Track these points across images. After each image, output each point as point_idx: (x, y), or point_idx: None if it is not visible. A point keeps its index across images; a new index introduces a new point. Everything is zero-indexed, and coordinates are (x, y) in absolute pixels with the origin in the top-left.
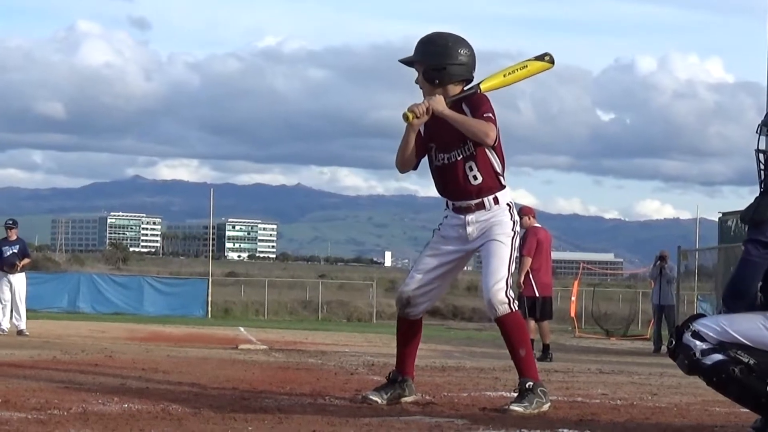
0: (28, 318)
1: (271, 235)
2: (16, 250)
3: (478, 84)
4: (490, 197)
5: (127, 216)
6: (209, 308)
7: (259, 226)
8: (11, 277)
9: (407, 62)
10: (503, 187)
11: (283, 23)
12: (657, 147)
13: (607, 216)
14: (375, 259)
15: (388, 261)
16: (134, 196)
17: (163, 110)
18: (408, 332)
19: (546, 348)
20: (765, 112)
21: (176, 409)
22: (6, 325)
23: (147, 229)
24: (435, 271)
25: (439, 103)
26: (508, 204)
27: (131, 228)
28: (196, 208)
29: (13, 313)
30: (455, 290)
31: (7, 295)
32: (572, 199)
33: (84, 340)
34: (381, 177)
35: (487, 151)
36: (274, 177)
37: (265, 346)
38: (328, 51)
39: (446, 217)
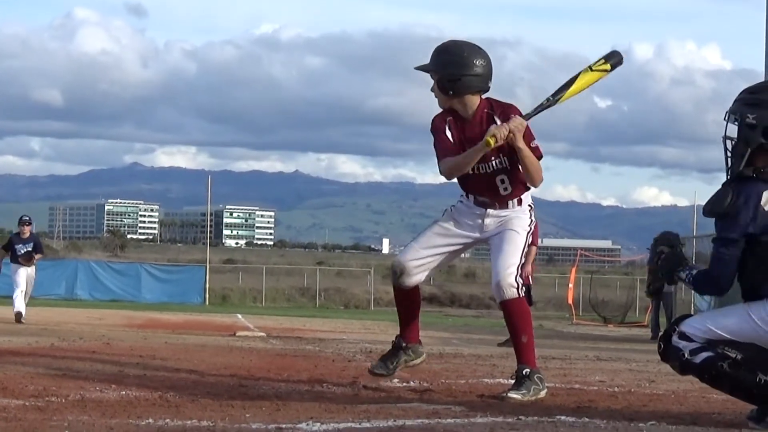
0: (26, 305)
1: (268, 222)
2: (30, 248)
3: (557, 98)
4: (515, 200)
5: (124, 203)
6: (207, 295)
7: (257, 213)
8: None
9: (423, 70)
10: (527, 189)
11: (280, 10)
12: (654, 134)
13: (605, 203)
14: (373, 246)
15: (386, 248)
16: (132, 183)
17: (161, 97)
18: (405, 300)
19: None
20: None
21: (174, 396)
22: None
23: (145, 216)
24: (436, 249)
25: (521, 134)
26: (529, 205)
27: (129, 215)
28: (193, 195)
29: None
30: (453, 277)
31: (23, 284)
32: (570, 186)
33: (82, 328)
34: (379, 164)
35: (520, 166)
36: (272, 164)
37: (262, 333)
38: (326, 38)
39: (462, 202)
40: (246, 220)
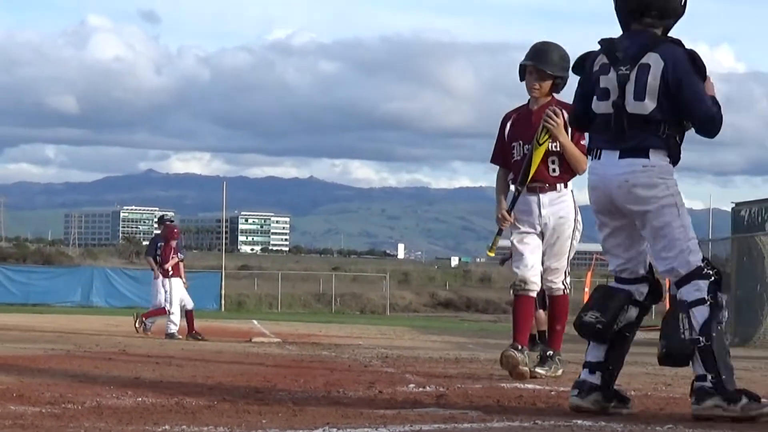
0: (41, 312)
1: (284, 228)
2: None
3: (524, 185)
4: (562, 183)
5: (140, 210)
6: (222, 301)
7: (272, 219)
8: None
9: (553, 71)
10: (573, 176)
11: (292, 16)
12: None
13: None
14: (388, 252)
15: (401, 253)
16: (147, 190)
17: (175, 104)
18: (524, 308)
19: (542, 334)
20: None
21: (190, 402)
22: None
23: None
24: (533, 248)
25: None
26: (571, 190)
27: (144, 222)
28: (208, 201)
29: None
30: (469, 282)
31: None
32: (584, 190)
33: (98, 334)
34: (393, 169)
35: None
36: (287, 170)
37: (278, 339)
38: (338, 43)
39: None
40: (261, 226)
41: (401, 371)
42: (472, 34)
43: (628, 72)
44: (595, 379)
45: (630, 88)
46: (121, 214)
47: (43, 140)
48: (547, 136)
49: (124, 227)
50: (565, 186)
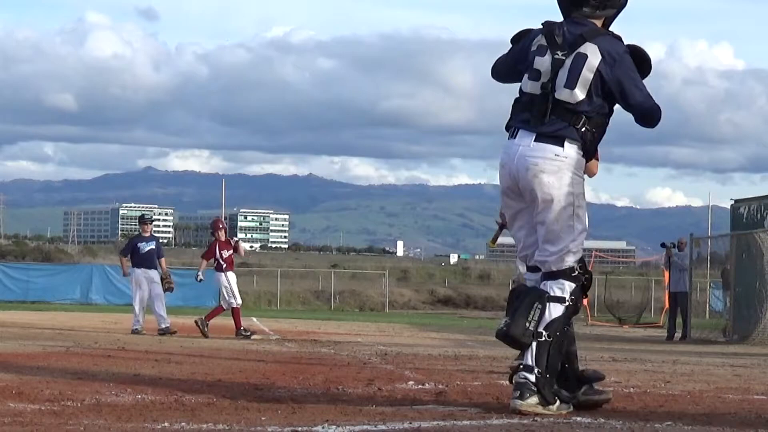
0: (39, 310)
1: (283, 225)
2: (153, 247)
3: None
4: None
5: (139, 207)
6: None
7: (271, 216)
8: (150, 272)
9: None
10: None
11: (290, 13)
12: (668, 134)
13: (619, 204)
14: (387, 249)
15: (400, 250)
16: (146, 187)
17: (173, 101)
18: None
19: None
20: None
21: (189, 399)
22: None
23: (159, 220)
24: None
25: None
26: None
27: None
28: (207, 198)
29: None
30: (467, 279)
31: (146, 293)
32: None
33: (97, 332)
34: (392, 166)
35: None
36: (286, 167)
37: (278, 336)
38: (337, 41)
39: None
40: (260, 224)
41: (400, 368)
42: (471, 31)
43: (563, 58)
44: (532, 378)
45: (563, 74)
46: (120, 212)
47: (42, 138)
48: None
49: (123, 225)
50: None
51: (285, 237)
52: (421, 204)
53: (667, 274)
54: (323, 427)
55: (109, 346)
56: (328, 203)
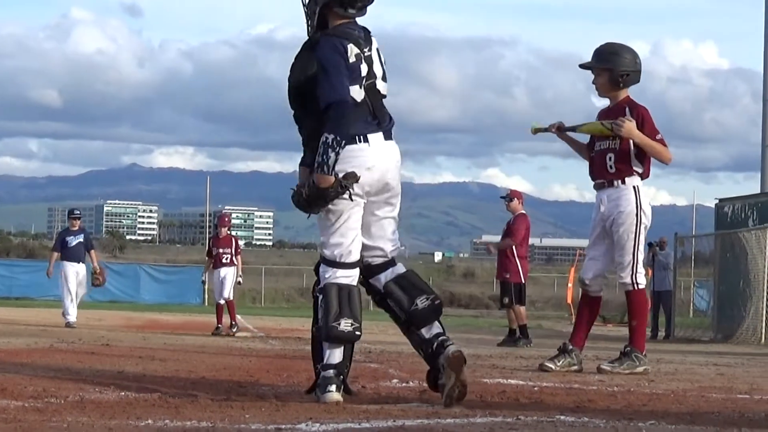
0: (23, 307)
1: (267, 222)
2: (81, 240)
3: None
4: (619, 180)
5: (123, 204)
6: (206, 296)
7: (256, 213)
8: (78, 266)
9: (587, 67)
10: (633, 174)
11: (275, 11)
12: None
13: None
14: None
15: None
16: (130, 184)
17: (158, 98)
18: (587, 307)
19: (523, 328)
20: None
21: (173, 397)
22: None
23: (143, 217)
24: (593, 253)
25: (624, 130)
26: (634, 186)
27: (128, 216)
28: (192, 195)
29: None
30: (452, 277)
31: (74, 286)
32: (568, 185)
33: (81, 329)
34: None
35: (631, 149)
36: (270, 164)
37: (262, 334)
38: None
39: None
40: (245, 221)
41: (385, 366)
42: (457, 30)
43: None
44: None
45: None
46: (105, 209)
47: (26, 134)
48: (610, 131)
49: (107, 221)
50: (623, 182)
51: (269, 234)
52: (406, 202)
53: (651, 272)
54: (307, 425)
55: (93, 343)
56: None
